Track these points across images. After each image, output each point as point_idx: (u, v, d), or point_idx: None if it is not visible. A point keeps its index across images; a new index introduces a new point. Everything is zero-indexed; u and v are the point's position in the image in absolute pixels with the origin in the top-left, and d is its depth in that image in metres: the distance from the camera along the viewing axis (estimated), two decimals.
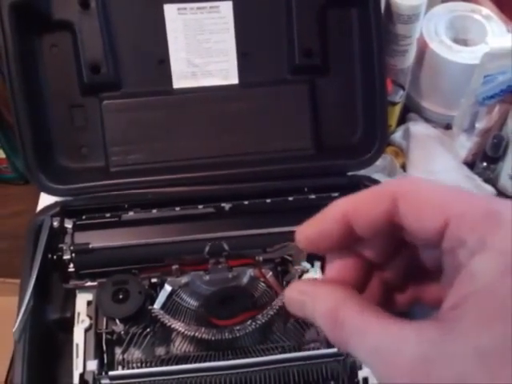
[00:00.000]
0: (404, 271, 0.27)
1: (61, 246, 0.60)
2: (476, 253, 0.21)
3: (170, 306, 0.60)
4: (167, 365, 0.56)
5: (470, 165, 0.81)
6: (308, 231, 0.25)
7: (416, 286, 0.27)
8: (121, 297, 0.57)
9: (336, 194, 0.67)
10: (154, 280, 0.61)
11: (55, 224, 0.62)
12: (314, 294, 0.24)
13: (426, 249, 0.25)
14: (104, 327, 0.58)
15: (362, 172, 0.70)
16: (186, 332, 0.57)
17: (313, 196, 0.67)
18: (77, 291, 0.60)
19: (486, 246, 0.20)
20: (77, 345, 0.56)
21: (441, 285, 0.25)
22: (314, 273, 0.61)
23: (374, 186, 0.25)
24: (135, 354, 0.57)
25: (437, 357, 0.20)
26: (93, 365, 0.55)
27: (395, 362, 0.20)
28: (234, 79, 0.70)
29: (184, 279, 0.61)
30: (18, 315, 0.55)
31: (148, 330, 0.58)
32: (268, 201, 0.66)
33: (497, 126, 0.77)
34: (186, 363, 0.56)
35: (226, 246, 0.60)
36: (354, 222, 0.24)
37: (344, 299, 0.23)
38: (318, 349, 0.57)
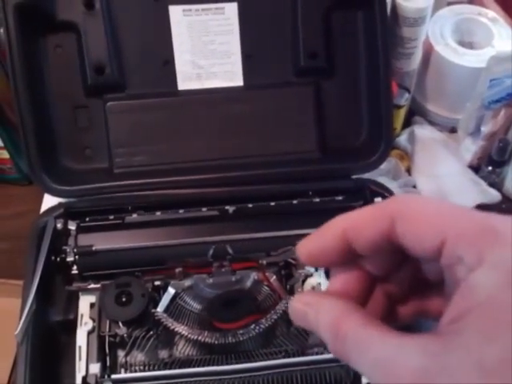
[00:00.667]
0: (407, 284, 0.27)
1: (64, 247, 0.60)
2: (474, 268, 0.21)
3: (174, 309, 0.60)
4: (170, 368, 0.56)
5: (475, 169, 0.81)
6: (309, 246, 0.26)
7: (419, 298, 0.27)
8: (124, 299, 0.57)
9: (340, 198, 0.67)
10: (157, 283, 0.60)
11: (59, 226, 0.62)
12: (318, 305, 0.24)
13: (428, 263, 0.25)
14: (107, 330, 0.58)
15: (367, 175, 0.70)
16: (189, 335, 0.57)
17: (317, 199, 0.66)
18: (80, 293, 0.60)
19: (483, 261, 0.21)
20: (79, 347, 0.56)
21: (443, 297, 0.25)
22: (318, 277, 0.61)
23: (372, 205, 0.25)
24: (138, 357, 0.57)
25: (438, 369, 0.20)
26: (95, 368, 0.55)
27: (396, 374, 0.20)
28: (238, 81, 0.69)
29: (187, 282, 0.61)
30: (20, 317, 0.55)
31: (151, 333, 0.57)
32: (272, 204, 0.66)
33: (502, 129, 0.77)
34: (189, 367, 0.56)
35: (229, 249, 0.60)
36: (352, 240, 0.24)
37: (346, 312, 0.23)
38: (322, 353, 0.57)
